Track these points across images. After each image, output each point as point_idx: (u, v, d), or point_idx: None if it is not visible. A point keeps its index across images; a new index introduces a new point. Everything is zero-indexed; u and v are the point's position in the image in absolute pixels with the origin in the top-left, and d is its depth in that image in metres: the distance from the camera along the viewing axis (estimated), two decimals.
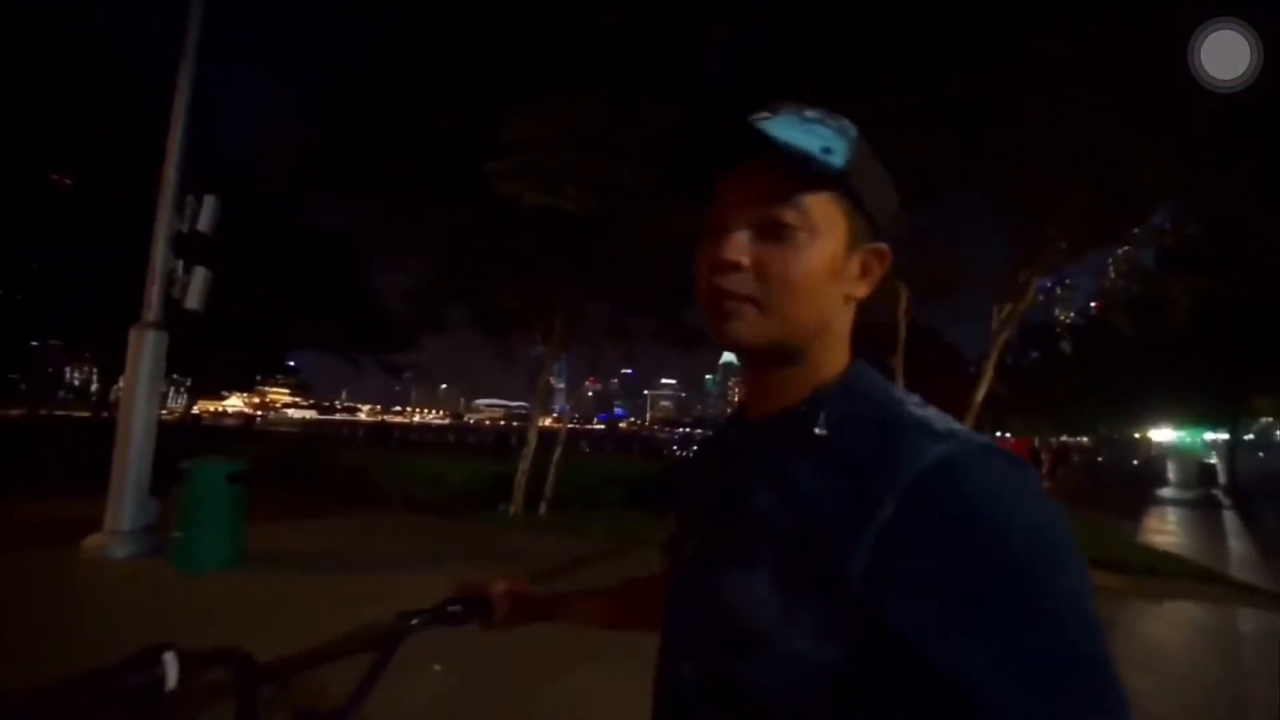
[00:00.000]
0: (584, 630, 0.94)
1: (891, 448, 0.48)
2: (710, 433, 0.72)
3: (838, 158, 0.52)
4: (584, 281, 8.60)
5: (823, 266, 0.54)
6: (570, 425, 11.42)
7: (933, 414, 0.51)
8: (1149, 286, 8.83)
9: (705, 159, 0.57)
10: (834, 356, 0.57)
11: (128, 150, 11.11)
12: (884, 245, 0.58)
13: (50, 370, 25.99)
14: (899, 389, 0.55)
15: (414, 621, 0.82)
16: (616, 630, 0.91)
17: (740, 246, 0.54)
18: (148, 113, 9.07)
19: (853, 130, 0.55)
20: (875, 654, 0.43)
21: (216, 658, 0.65)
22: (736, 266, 0.54)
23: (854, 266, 0.56)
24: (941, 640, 0.41)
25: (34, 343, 21.56)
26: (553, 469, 9.42)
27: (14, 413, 21.70)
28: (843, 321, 0.58)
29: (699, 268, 0.58)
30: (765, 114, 0.53)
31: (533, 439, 9.49)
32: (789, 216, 0.53)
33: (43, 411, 21.61)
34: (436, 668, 3.41)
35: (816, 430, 0.52)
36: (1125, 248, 9.51)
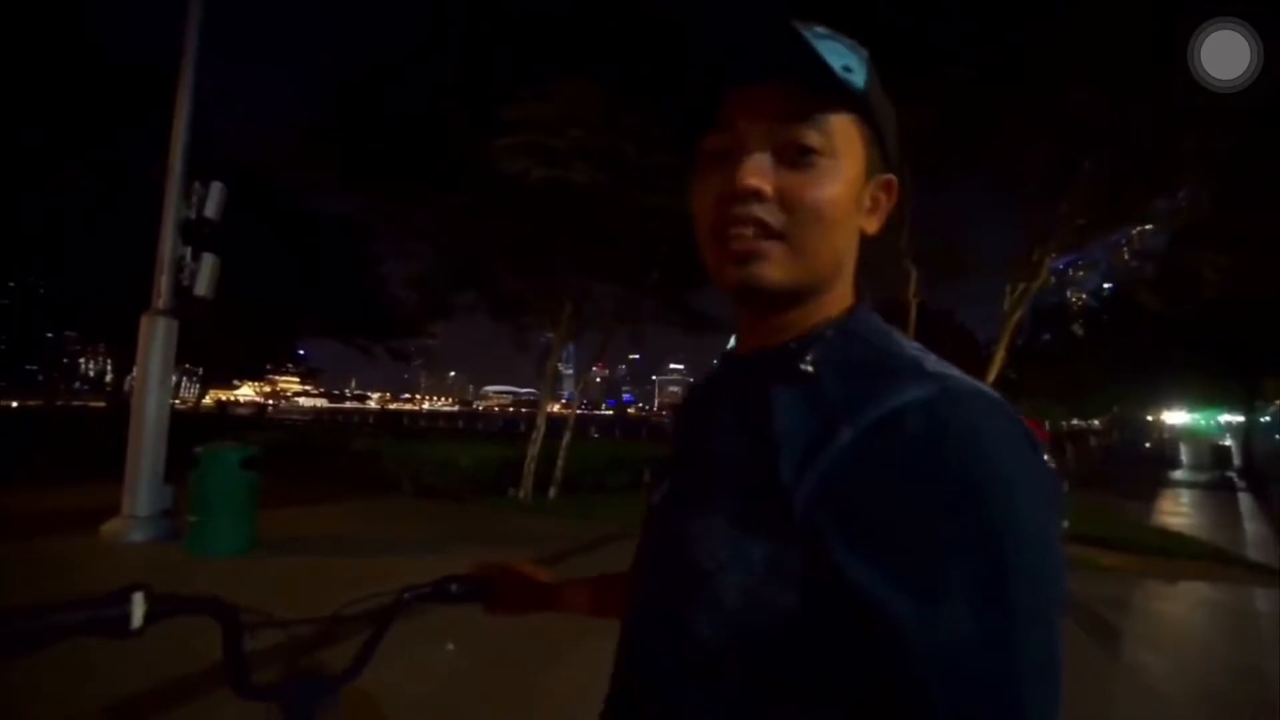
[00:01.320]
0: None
1: (869, 387, 0.44)
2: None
3: (858, 77, 0.48)
4: (589, 263, 8.57)
5: (847, 196, 0.49)
6: (579, 411, 11.46)
7: (930, 360, 0.46)
8: (1172, 264, 8.70)
9: (724, 68, 0.50)
10: (839, 295, 0.53)
11: (136, 138, 11.13)
12: (893, 177, 0.54)
13: (66, 361, 26.33)
14: (902, 335, 0.51)
15: (408, 596, 0.82)
16: (618, 619, 0.88)
17: (762, 171, 0.48)
18: (154, 101, 9.06)
19: (864, 50, 0.51)
20: (822, 594, 0.40)
21: (191, 604, 0.66)
22: (758, 194, 0.47)
23: (867, 196, 0.52)
24: (874, 577, 0.38)
25: (49, 334, 21.83)
26: (562, 453, 9.47)
27: (32, 403, 22.06)
28: (853, 258, 0.54)
29: (700, 205, 0.51)
30: (788, 21, 0.47)
31: (541, 424, 9.53)
32: (813, 139, 0.48)
33: (60, 402, 21.92)
34: (450, 646, 3.44)
35: (803, 367, 0.48)
36: (1141, 226, 9.35)
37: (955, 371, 0.45)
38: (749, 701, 0.44)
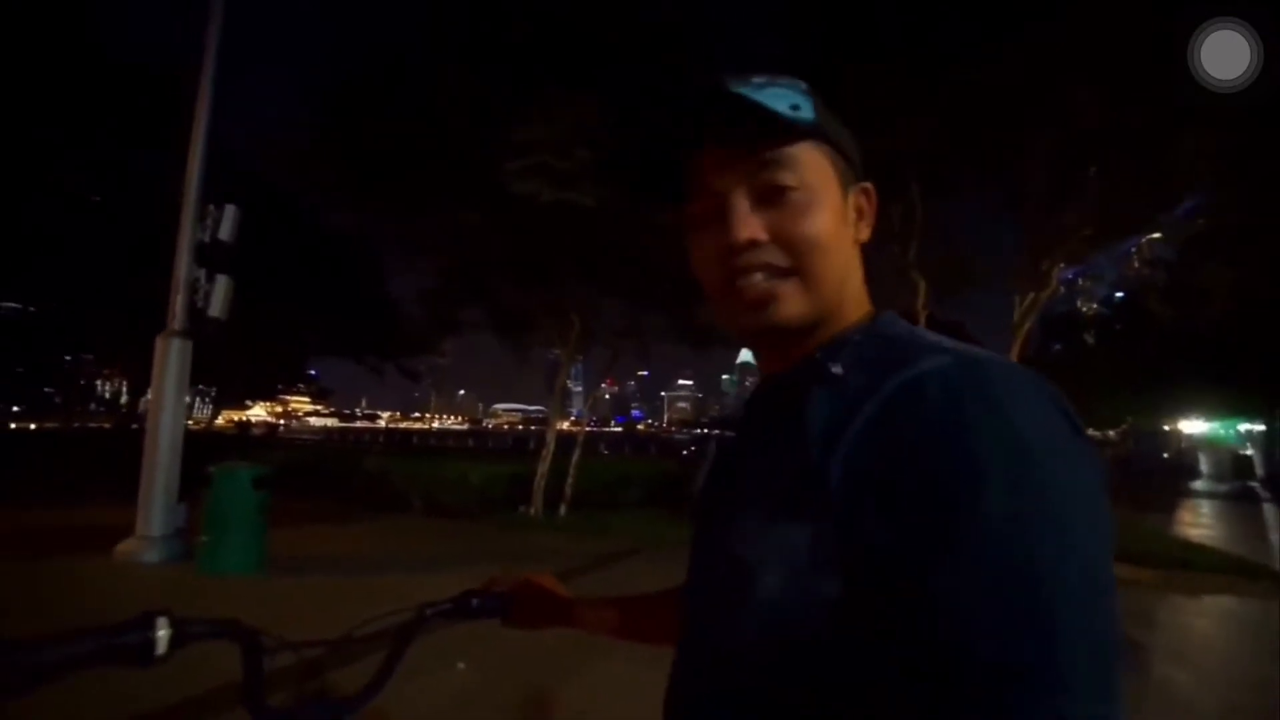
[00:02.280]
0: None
1: (892, 367, 0.45)
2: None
3: (806, 111, 0.52)
4: (597, 280, 8.62)
5: (833, 217, 0.53)
6: (588, 428, 11.45)
7: (949, 340, 0.48)
8: (1182, 274, 8.65)
9: (675, 137, 0.54)
10: (854, 306, 0.55)
11: (150, 161, 11.38)
12: (868, 184, 0.57)
13: (83, 384, 26.71)
14: (930, 332, 0.52)
15: (429, 612, 0.82)
16: (638, 642, 0.88)
17: (750, 221, 0.51)
18: (168, 124, 9.28)
19: (803, 83, 0.54)
20: (860, 573, 0.40)
21: (215, 629, 0.65)
22: (755, 243, 0.50)
23: (851, 211, 0.55)
24: (898, 535, 0.38)
25: (67, 357, 22.18)
26: (572, 470, 9.45)
27: (49, 425, 22.35)
28: (858, 268, 0.57)
29: (701, 265, 0.55)
30: (723, 84, 0.51)
31: (551, 441, 9.53)
32: (785, 178, 0.51)
33: (76, 424, 22.20)
34: (460, 666, 3.42)
35: (833, 369, 0.50)
36: (1151, 236, 9.30)
37: (976, 348, 0.46)
38: (800, 696, 0.44)
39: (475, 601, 0.86)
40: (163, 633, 0.59)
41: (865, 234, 0.56)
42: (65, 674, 0.55)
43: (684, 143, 0.54)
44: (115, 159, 12.49)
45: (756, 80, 0.51)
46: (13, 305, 18.31)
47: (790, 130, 0.51)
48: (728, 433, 0.63)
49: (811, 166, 0.52)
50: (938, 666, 0.36)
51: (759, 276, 0.51)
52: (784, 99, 0.51)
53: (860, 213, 0.56)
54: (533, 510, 9.07)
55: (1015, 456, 0.38)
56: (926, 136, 6.51)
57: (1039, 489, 0.38)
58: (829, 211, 0.52)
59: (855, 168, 0.56)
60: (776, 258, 0.51)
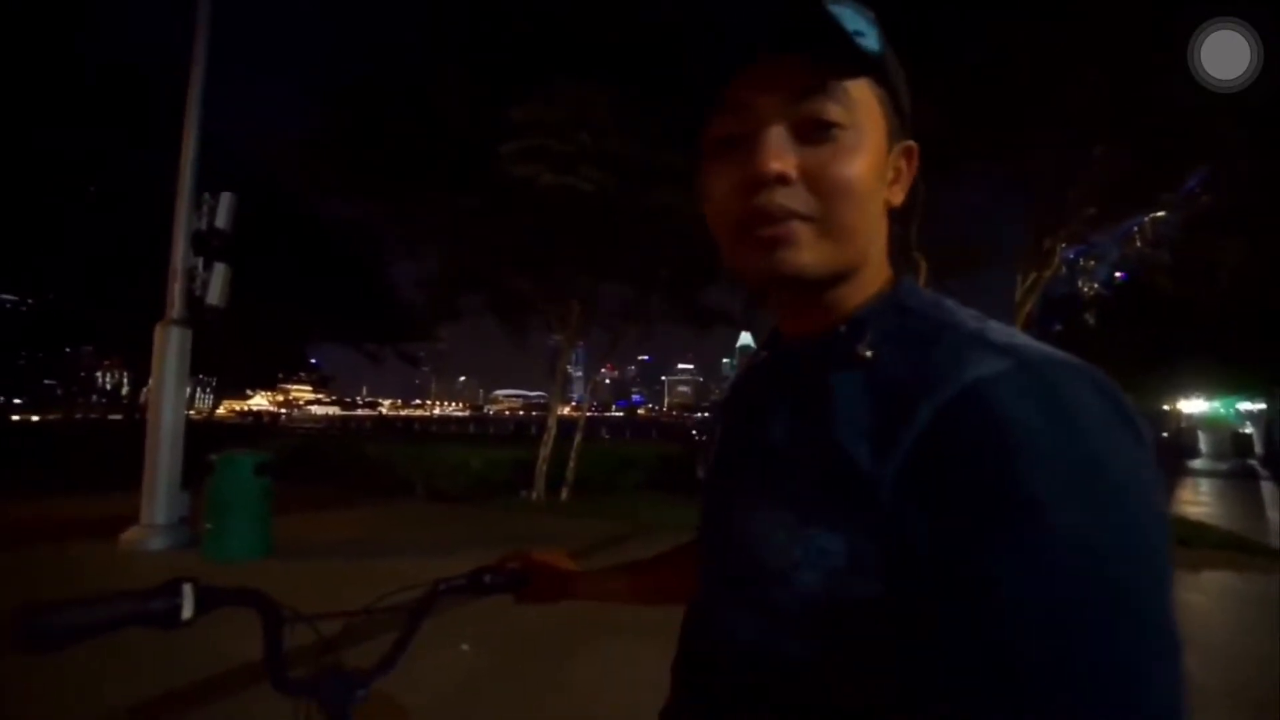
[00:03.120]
0: (607, 606, 0.93)
1: (939, 362, 0.41)
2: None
3: (871, 40, 0.45)
4: (597, 263, 8.58)
5: (874, 168, 0.47)
6: (589, 413, 11.46)
7: (993, 326, 0.44)
8: (1187, 249, 8.60)
9: (734, 43, 0.46)
10: (877, 271, 0.51)
11: (144, 151, 11.29)
12: (913, 143, 0.52)
13: (84, 375, 26.73)
14: (956, 304, 0.48)
15: (443, 588, 0.84)
16: (648, 605, 0.88)
17: (783, 151, 0.45)
18: (162, 112, 9.18)
19: (871, 10, 0.47)
20: (909, 579, 0.38)
21: (236, 596, 0.69)
22: (783, 178, 0.44)
23: (890, 169, 0.50)
24: (962, 554, 0.37)
25: (68, 349, 22.16)
26: (573, 455, 9.49)
27: (52, 416, 22.41)
28: (883, 232, 0.51)
29: (714, 194, 0.48)
30: None
31: (552, 426, 9.55)
32: (833, 112, 0.45)
33: (79, 415, 22.24)
34: (465, 648, 3.45)
35: (861, 351, 0.46)
36: (1154, 214, 9.23)
37: (1023, 339, 0.43)
38: (831, 691, 0.43)
39: (488, 578, 0.88)
40: (189, 599, 0.64)
41: (898, 198, 0.51)
42: (101, 633, 0.59)
43: (746, 47, 0.46)
44: (113, 152, 12.38)
45: None
46: (11, 297, 18.27)
47: (856, 59, 0.44)
48: (733, 406, 0.59)
49: (863, 105, 0.46)
50: (1004, 673, 0.35)
51: (775, 218, 0.45)
52: (852, 21, 0.44)
53: (898, 173, 0.51)
54: (535, 494, 9.12)
55: (1087, 471, 0.36)
56: (925, 114, 6.44)
57: (1112, 503, 0.36)
58: (870, 161, 0.46)
59: (906, 121, 0.51)
60: (800, 202, 0.45)
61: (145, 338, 6.12)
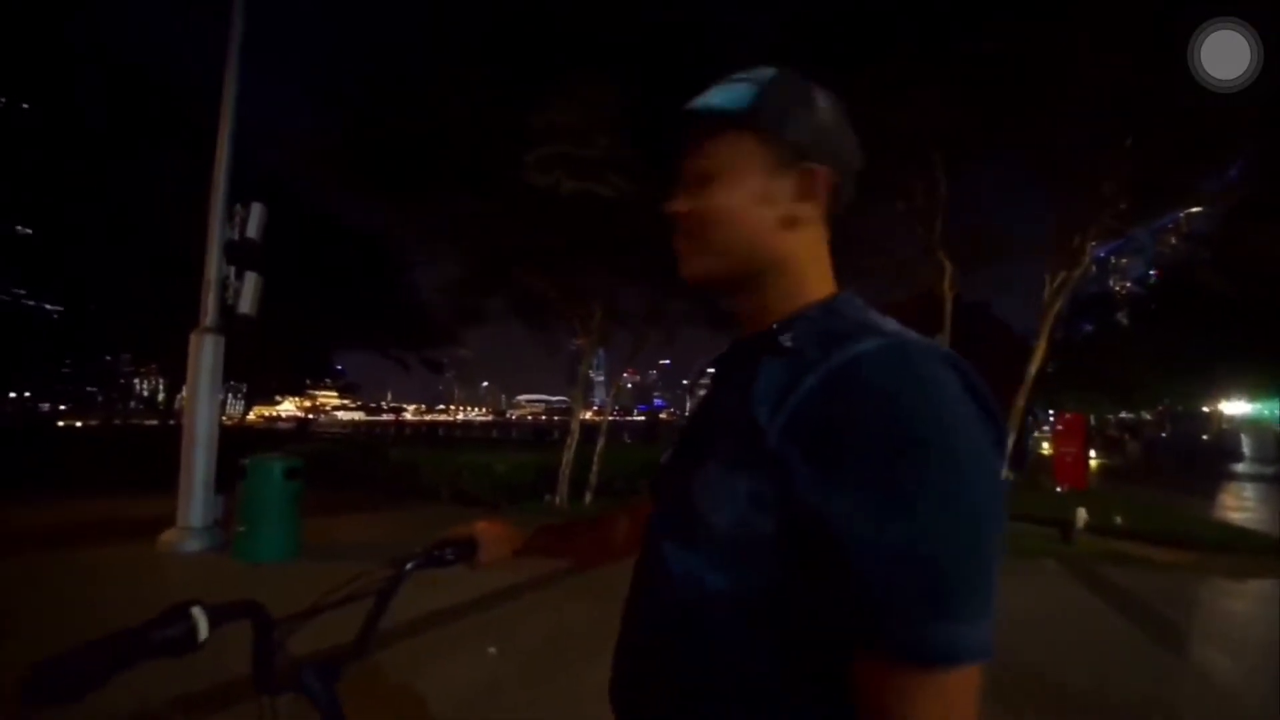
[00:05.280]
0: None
1: (833, 345, 0.53)
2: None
3: (742, 101, 0.61)
4: (618, 266, 8.60)
5: (741, 197, 0.62)
6: (611, 417, 11.48)
7: (891, 324, 0.56)
8: (1231, 241, 8.32)
9: (672, 145, 0.68)
10: (804, 283, 0.63)
11: (180, 161, 11.64)
12: (816, 166, 0.62)
13: (123, 382, 27.62)
14: (880, 315, 0.59)
15: (409, 566, 0.90)
16: (591, 564, 1.01)
17: (678, 201, 0.66)
18: (196, 124, 9.46)
19: (768, 73, 0.63)
20: (790, 516, 0.49)
21: (237, 609, 0.70)
22: (675, 215, 0.66)
23: (786, 189, 0.62)
24: (821, 486, 0.48)
25: (107, 357, 22.94)
26: (596, 458, 9.51)
27: (93, 422, 23.19)
28: (797, 245, 0.63)
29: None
30: (703, 94, 0.64)
31: (575, 430, 9.59)
32: (704, 165, 0.63)
33: (117, 420, 22.97)
34: (491, 650, 3.48)
35: (783, 342, 0.58)
36: (1190, 209, 8.94)
37: (912, 334, 0.54)
38: (743, 618, 0.53)
39: (448, 552, 0.94)
40: (203, 621, 0.64)
41: (806, 212, 0.62)
42: (117, 673, 0.58)
43: (678, 146, 0.67)
44: (148, 164, 12.79)
45: (734, 77, 0.64)
46: (55, 308, 18.99)
47: (712, 125, 0.62)
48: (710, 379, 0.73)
49: (729, 153, 0.62)
50: (860, 593, 0.46)
51: (680, 240, 0.66)
52: (730, 93, 0.62)
53: (803, 192, 0.62)
54: (559, 499, 9.16)
55: (926, 425, 0.47)
56: (949, 108, 6.34)
57: (942, 455, 0.46)
58: (736, 192, 0.62)
59: (800, 149, 0.62)
60: (686, 227, 0.65)
61: (181, 345, 6.29)
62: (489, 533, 0.98)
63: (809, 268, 0.63)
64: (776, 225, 0.62)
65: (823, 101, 0.64)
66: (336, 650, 0.80)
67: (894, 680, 0.45)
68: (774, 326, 0.61)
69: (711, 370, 0.75)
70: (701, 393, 0.81)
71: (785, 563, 0.51)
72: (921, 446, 0.46)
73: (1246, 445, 24.50)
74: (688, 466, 0.59)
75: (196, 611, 0.63)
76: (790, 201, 0.62)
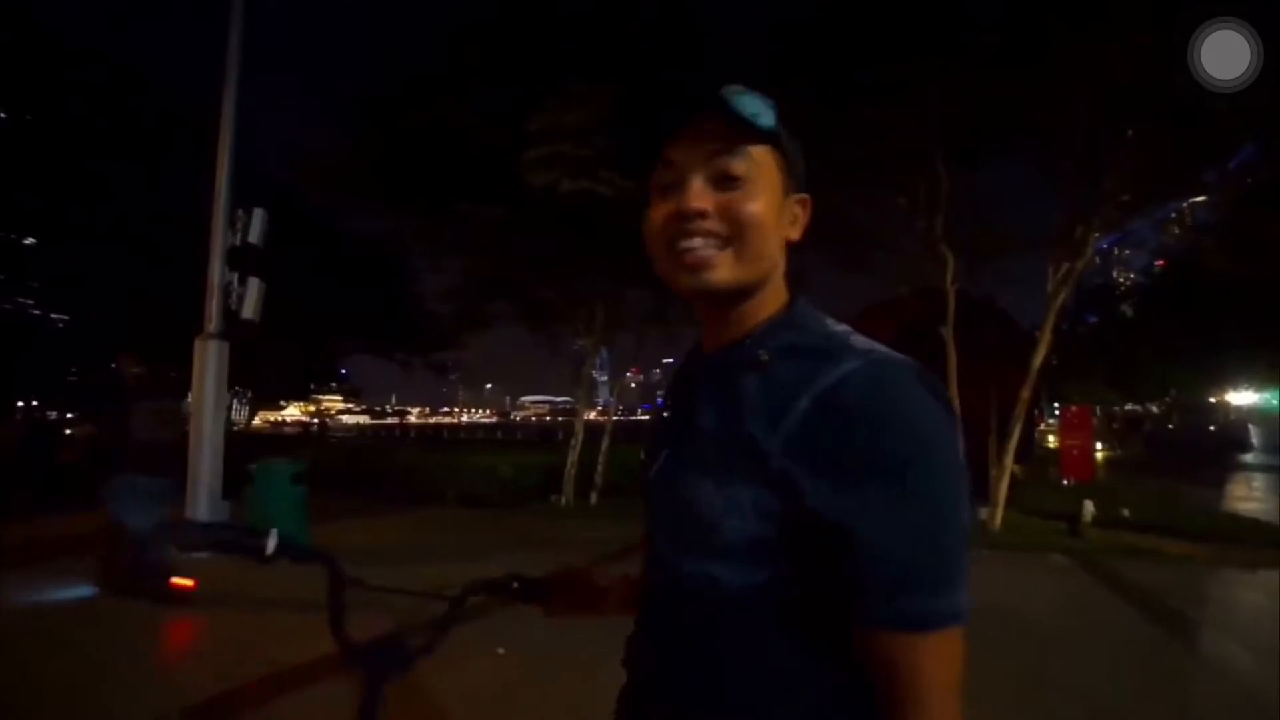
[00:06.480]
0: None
1: (817, 364, 0.58)
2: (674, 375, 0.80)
3: (768, 119, 0.62)
4: (619, 266, 8.60)
5: (771, 209, 0.63)
6: (615, 417, 11.48)
7: (859, 340, 0.61)
8: (1236, 228, 8.27)
9: (664, 119, 0.64)
10: (775, 292, 0.66)
11: (180, 169, 11.69)
12: (806, 196, 0.68)
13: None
14: (833, 321, 0.65)
15: (479, 585, 0.93)
16: None
17: (703, 194, 0.62)
18: (197, 132, 9.49)
19: (771, 100, 0.65)
20: (793, 522, 0.56)
21: (311, 554, 0.86)
22: (702, 214, 0.61)
23: (788, 212, 0.66)
24: (830, 496, 0.54)
25: (113, 364, 23.06)
26: (601, 459, 9.51)
27: (98, 429, 23.30)
28: (782, 262, 0.67)
29: (652, 224, 0.65)
30: (713, 85, 0.62)
31: (579, 431, 9.59)
32: (739, 167, 0.62)
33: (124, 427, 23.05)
34: (500, 651, 3.48)
35: (760, 356, 0.62)
36: (1193, 198, 8.89)
37: (878, 346, 0.60)
38: (758, 607, 0.59)
39: (516, 585, 0.94)
40: (273, 541, 0.82)
41: (796, 235, 0.67)
42: (209, 547, 0.83)
43: (671, 126, 0.64)
44: (150, 172, 12.84)
45: (736, 88, 0.62)
46: (62, 317, 19.08)
47: (752, 132, 0.62)
48: (670, 405, 0.75)
49: (761, 163, 0.63)
50: (879, 579, 0.54)
51: (699, 242, 0.62)
52: (753, 106, 0.61)
53: (795, 217, 0.67)
54: (564, 499, 9.16)
55: (913, 442, 0.54)
56: (949, 104, 6.32)
57: (929, 465, 0.55)
58: (768, 203, 0.63)
59: (798, 179, 0.67)
60: (718, 228, 0.62)
61: (185, 349, 6.31)
62: (570, 584, 0.96)
63: (780, 283, 0.67)
64: (782, 244, 0.66)
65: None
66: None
67: (911, 646, 0.54)
68: (746, 341, 0.64)
69: (675, 383, 0.75)
70: (663, 398, 0.82)
71: (794, 559, 0.57)
72: (913, 460, 0.54)
73: (1255, 436, 24.34)
74: (686, 480, 0.63)
75: (272, 533, 0.82)
76: (788, 224, 0.66)
